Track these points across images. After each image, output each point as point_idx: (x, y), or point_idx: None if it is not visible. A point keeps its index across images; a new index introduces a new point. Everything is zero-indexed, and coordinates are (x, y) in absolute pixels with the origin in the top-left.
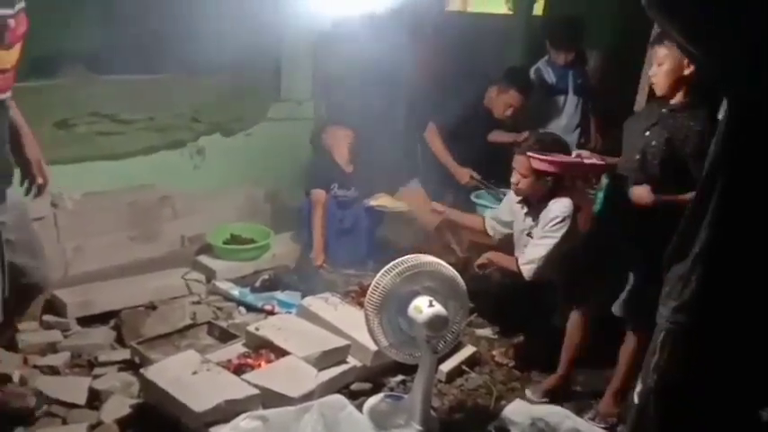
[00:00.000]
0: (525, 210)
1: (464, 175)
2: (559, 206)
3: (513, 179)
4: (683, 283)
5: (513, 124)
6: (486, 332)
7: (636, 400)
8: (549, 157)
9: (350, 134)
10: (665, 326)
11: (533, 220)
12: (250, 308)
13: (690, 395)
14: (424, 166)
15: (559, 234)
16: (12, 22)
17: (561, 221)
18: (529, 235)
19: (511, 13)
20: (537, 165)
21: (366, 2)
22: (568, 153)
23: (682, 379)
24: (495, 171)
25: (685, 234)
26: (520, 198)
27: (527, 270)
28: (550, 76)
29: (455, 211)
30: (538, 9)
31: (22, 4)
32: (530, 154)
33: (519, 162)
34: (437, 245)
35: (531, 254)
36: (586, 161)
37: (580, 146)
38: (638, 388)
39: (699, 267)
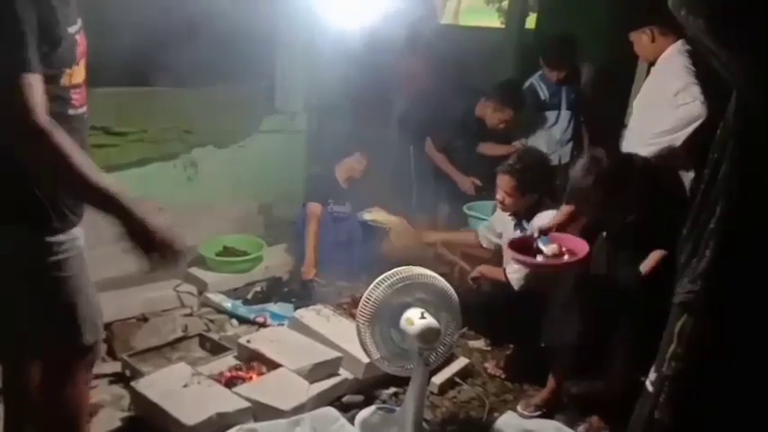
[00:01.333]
0: (515, 221)
1: (466, 182)
2: (547, 216)
3: (499, 197)
4: (698, 258)
5: (505, 135)
6: (479, 344)
7: (650, 388)
8: (524, 259)
9: (363, 164)
10: (682, 298)
11: (522, 232)
12: (242, 320)
13: (708, 381)
14: (417, 178)
15: None
16: (78, 38)
17: None
18: None
19: (503, 26)
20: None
21: (361, 15)
22: (550, 172)
23: (700, 365)
24: (488, 179)
25: (697, 216)
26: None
27: (514, 279)
28: (544, 93)
29: (447, 234)
30: (530, 23)
31: (81, 23)
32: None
33: (502, 180)
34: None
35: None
36: (565, 259)
37: (573, 158)
38: (652, 377)
39: (711, 242)
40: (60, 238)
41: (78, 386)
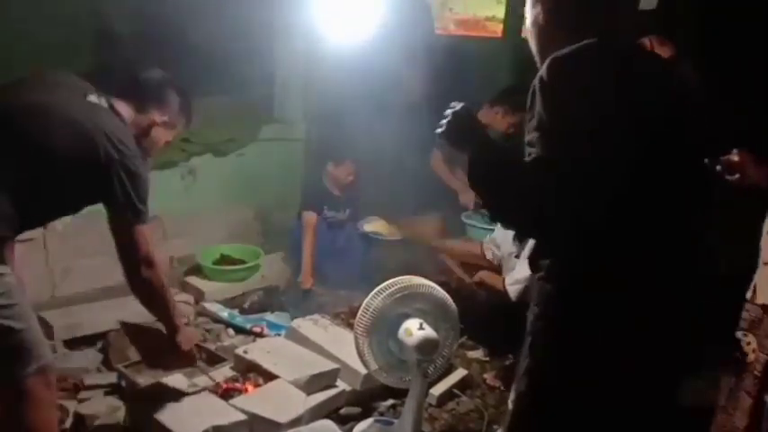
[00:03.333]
0: (513, 233)
1: (469, 200)
2: None
3: None
4: (543, 294)
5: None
6: (478, 354)
7: (510, 406)
8: None
9: (349, 172)
10: (529, 330)
11: (521, 243)
12: (239, 330)
13: (558, 396)
14: (416, 186)
15: None
16: None
17: None
18: (516, 257)
19: (499, 36)
20: None
21: (359, 24)
22: None
23: (550, 381)
24: None
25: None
26: None
27: (513, 290)
28: None
29: (456, 243)
30: (526, 32)
31: None
32: None
33: None
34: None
35: (517, 274)
36: None
37: None
38: (512, 396)
39: (553, 279)
40: (5, 269)
41: (43, 410)
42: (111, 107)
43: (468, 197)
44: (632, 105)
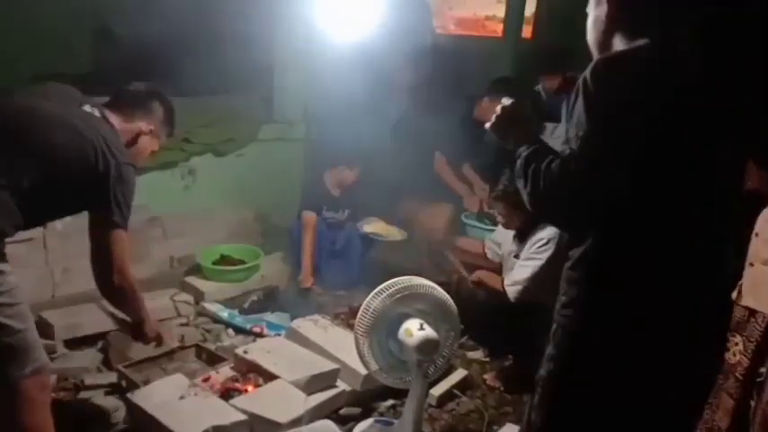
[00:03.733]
0: (514, 232)
1: (474, 203)
2: (546, 230)
3: (498, 219)
4: (571, 282)
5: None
6: (478, 354)
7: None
8: None
9: (355, 173)
10: (555, 318)
11: (521, 243)
12: (239, 330)
13: (574, 384)
14: (415, 187)
15: (544, 256)
16: None
17: (546, 243)
18: (516, 257)
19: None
20: None
21: (358, 24)
22: None
23: (569, 368)
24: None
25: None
26: None
27: (512, 291)
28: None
29: (459, 239)
30: (527, 32)
31: None
32: None
33: (496, 206)
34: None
35: (516, 275)
36: None
37: None
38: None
39: (582, 269)
40: (6, 267)
41: (36, 412)
42: (104, 117)
43: (472, 201)
44: (664, 115)
